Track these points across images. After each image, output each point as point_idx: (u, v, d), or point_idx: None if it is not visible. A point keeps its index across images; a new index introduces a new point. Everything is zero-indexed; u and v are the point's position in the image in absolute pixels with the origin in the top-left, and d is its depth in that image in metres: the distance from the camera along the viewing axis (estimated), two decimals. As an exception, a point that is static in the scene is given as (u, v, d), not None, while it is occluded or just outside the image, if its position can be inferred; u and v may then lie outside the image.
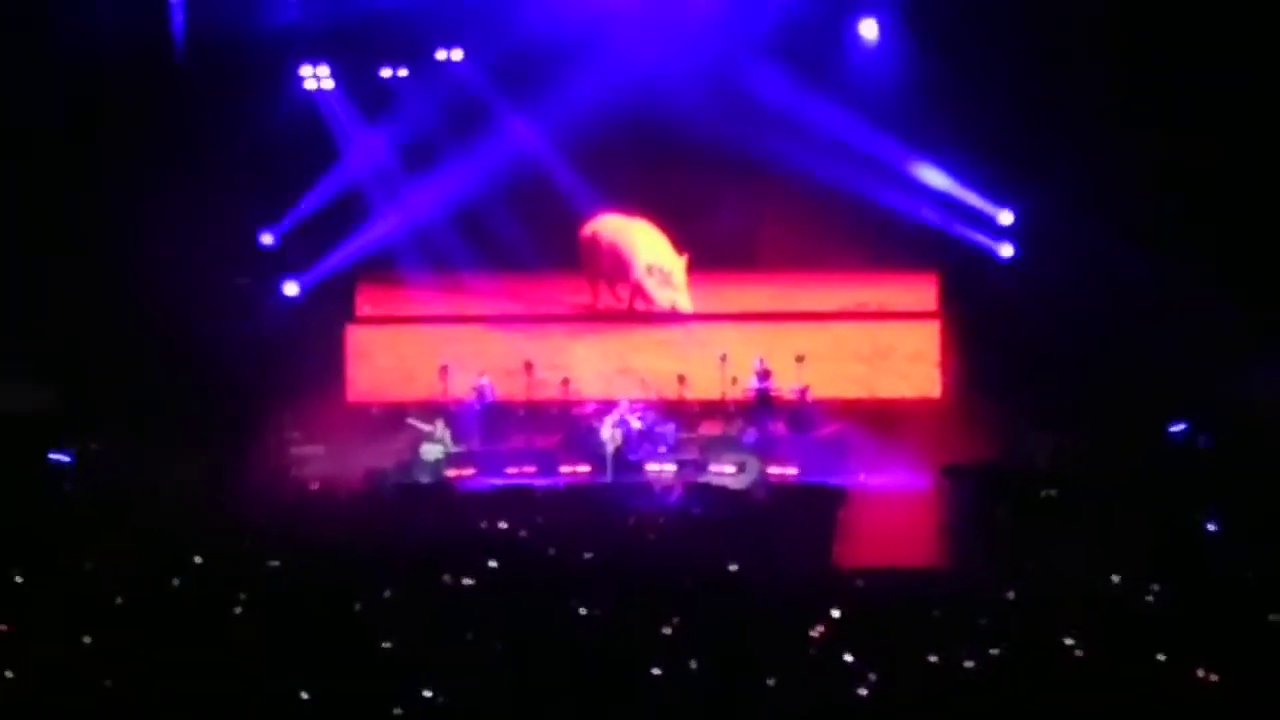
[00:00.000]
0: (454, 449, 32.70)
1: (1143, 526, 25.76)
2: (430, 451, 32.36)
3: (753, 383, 33.62)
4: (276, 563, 24.59)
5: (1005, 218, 33.20)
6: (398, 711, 17.32)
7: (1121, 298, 31.22)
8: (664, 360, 35.47)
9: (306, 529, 27.44)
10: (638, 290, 35.68)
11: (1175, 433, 27.48)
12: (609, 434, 32.43)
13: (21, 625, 20.04)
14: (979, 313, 33.79)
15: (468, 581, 22.70)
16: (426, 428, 32.87)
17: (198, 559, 24.10)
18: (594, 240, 35.83)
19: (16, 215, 32.37)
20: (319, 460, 31.69)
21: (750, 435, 33.02)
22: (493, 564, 23.59)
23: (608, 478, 32.28)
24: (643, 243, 35.58)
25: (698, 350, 35.25)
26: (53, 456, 30.22)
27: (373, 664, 18.74)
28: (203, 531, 26.19)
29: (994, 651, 18.86)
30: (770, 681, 18.25)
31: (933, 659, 18.52)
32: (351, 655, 18.94)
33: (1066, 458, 30.40)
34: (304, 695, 17.53)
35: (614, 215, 35.86)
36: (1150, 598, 21.07)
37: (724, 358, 34.43)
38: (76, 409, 30.97)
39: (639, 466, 32.66)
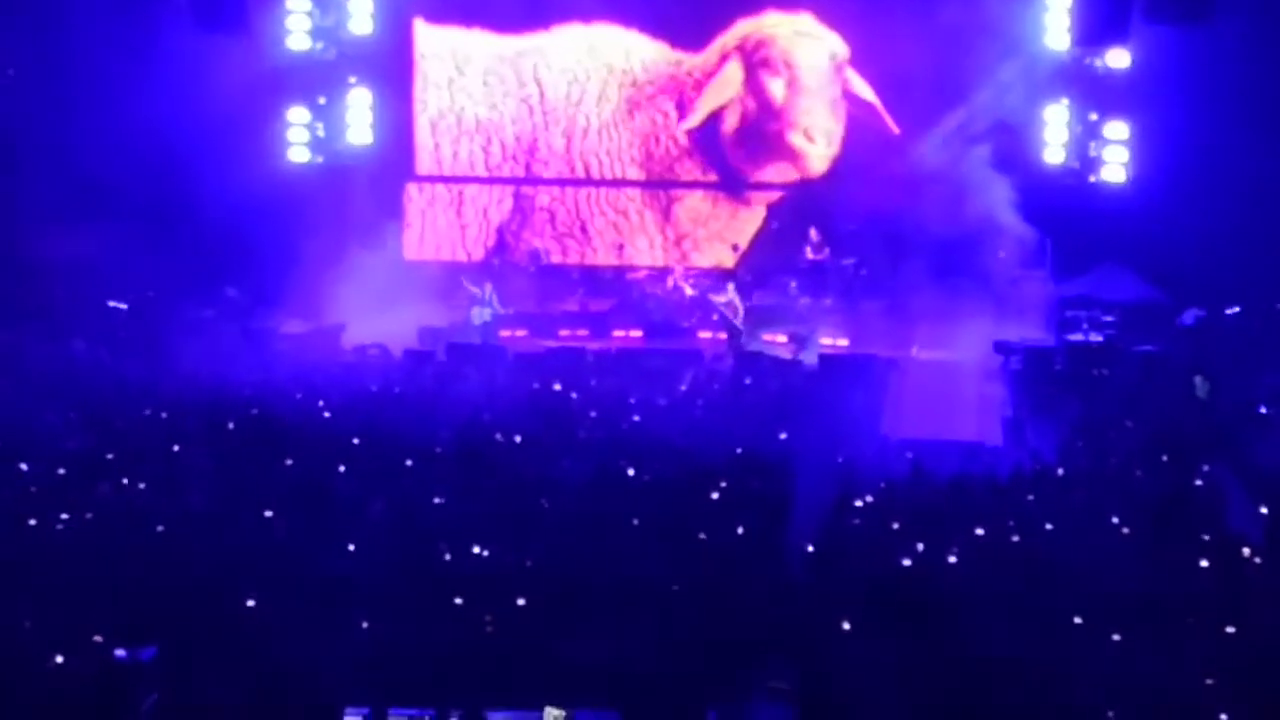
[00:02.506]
0: (501, 311, 32.66)
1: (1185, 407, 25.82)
2: (479, 314, 32.32)
3: (808, 253, 33.45)
4: (329, 413, 24.76)
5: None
6: (447, 558, 17.48)
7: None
8: (728, 229, 35.22)
9: (361, 383, 27.54)
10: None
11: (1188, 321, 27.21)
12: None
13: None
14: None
15: (517, 439, 22.81)
16: (475, 290, 32.81)
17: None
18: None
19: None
20: (374, 317, 31.61)
21: (804, 304, 32.85)
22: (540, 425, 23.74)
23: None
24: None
25: (751, 221, 35.07)
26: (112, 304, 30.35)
27: (422, 522, 18.86)
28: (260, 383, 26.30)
29: (1045, 527, 18.91)
30: (810, 549, 18.35)
31: (979, 532, 18.58)
32: (401, 510, 19.08)
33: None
34: (350, 547, 17.69)
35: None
36: (1199, 480, 21.06)
37: (779, 230, 34.35)
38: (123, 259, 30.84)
39: (691, 332, 32.61)
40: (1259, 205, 29.58)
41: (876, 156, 32.84)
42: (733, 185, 35.12)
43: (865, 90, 34.34)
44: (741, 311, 31.81)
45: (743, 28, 34.53)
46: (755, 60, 34.46)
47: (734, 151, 34.89)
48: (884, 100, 33.48)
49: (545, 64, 35.05)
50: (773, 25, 34.52)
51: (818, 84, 34.54)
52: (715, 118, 34.87)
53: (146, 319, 30.08)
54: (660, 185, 35.15)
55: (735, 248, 34.79)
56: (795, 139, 34.54)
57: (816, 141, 34.47)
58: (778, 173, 34.95)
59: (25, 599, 15.78)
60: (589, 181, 35.23)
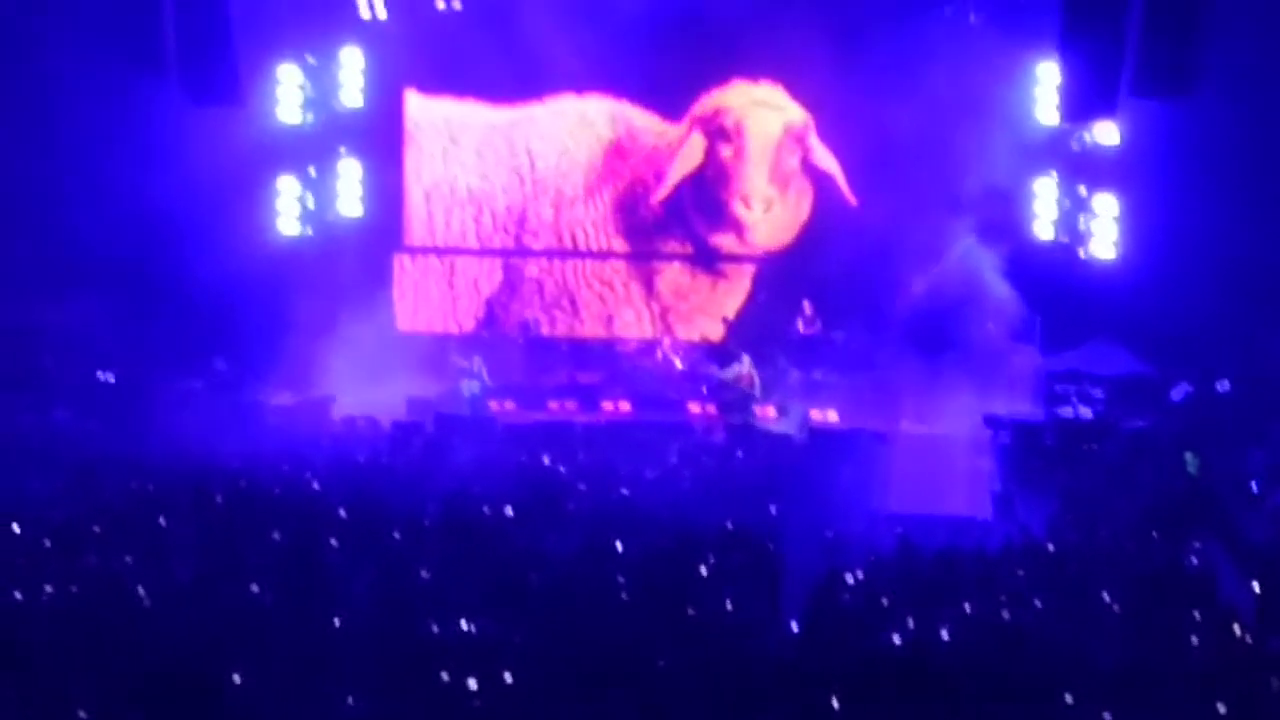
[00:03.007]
0: (490, 384, 32.69)
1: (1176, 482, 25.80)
2: (468, 386, 32.39)
3: (800, 326, 33.50)
4: (317, 485, 24.72)
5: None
6: (435, 630, 17.43)
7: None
8: (709, 301, 35.31)
9: (349, 456, 27.52)
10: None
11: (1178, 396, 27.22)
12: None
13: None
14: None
15: (508, 513, 22.77)
16: (464, 363, 32.88)
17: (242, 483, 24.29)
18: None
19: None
20: (364, 389, 31.66)
21: (794, 378, 32.88)
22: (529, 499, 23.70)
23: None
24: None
25: (740, 293, 35.13)
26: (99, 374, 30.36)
27: (411, 592, 18.82)
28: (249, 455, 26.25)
29: (1034, 604, 18.87)
30: (795, 627, 18.31)
31: (968, 608, 18.54)
32: (389, 583, 19.03)
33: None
34: (336, 622, 17.63)
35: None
36: (1194, 557, 21.04)
37: (769, 302, 34.39)
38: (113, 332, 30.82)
39: (681, 405, 32.63)
40: (1248, 280, 29.64)
41: (860, 227, 32.80)
42: (704, 256, 35.14)
43: (827, 161, 34.55)
44: (758, 383, 31.76)
45: (711, 99, 34.78)
46: (713, 130, 34.75)
47: (697, 222, 35.00)
48: (869, 170, 33.47)
49: (537, 134, 35.18)
50: (734, 96, 34.87)
51: (762, 152, 34.79)
52: (681, 188, 34.93)
53: (134, 390, 30.04)
54: (637, 257, 35.27)
55: (725, 320, 34.83)
56: (736, 207, 34.84)
57: (754, 209, 34.79)
58: (733, 242, 35.03)
59: (9, 672, 15.70)
60: (574, 253, 35.34)
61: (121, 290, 30.91)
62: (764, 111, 34.70)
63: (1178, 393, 27.34)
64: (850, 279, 33.03)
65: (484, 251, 35.54)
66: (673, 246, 35.29)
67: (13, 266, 29.08)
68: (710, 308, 35.23)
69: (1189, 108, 27.47)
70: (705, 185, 34.89)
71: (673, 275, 35.35)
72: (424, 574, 19.44)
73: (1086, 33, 26.05)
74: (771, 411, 31.90)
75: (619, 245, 35.31)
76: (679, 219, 35.12)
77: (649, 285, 35.39)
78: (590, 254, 35.37)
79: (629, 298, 35.42)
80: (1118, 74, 26.06)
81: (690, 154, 34.79)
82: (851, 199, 34.23)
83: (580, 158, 35.13)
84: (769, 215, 34.81)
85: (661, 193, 35.02)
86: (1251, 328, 29.92)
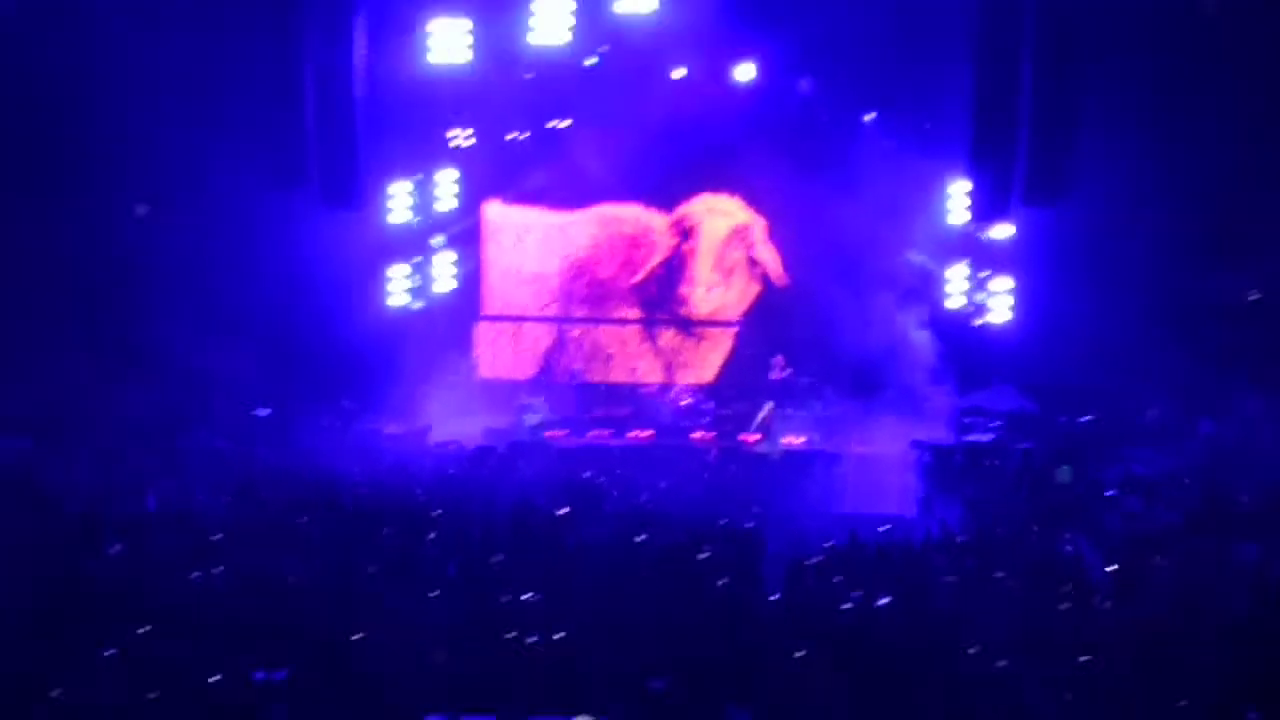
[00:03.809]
0: (550, 416, 32.72)
1: (1053, 490, 25.79)
2: (530, 419, 32.39)
3: (773, 374, 33.41)
4: (420, 494, 24.73)
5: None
6: (505, 599, 17.47)
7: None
8: (709, 354, 35.30)
9: (443, 471, 27.54)
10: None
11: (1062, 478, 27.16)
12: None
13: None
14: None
15: (560, 513, 22.77)
16: (530, 401, 32.92)
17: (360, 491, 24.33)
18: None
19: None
20: (453, 421, 31.64)
21: (772, 411, 32.77)
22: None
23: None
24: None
25: (723, 350, 35.14)
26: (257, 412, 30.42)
27: (487, 572, 18.86)
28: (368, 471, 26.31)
29: (946, 580, 18.86)
30: (775, 597, 18.32)
31: (900, 584, 18.53)
32: (471, 566, 19.07)
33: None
34: (431, 594, 17.66)
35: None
36: (1069, 547, 20.99)
37: (751, 355, 34.36)
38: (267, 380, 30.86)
39: (687, 433, 32.60)
40: (1105, 340, 29.59)
41: (815, 300, 32.62)
42: (684, 323, 35.20)
43: (766, 255, 34.48)
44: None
45: (683, 207, 34.83)
46: (680, 230, 34.80)
47: (668, 297, 35.10)
48: (818, 257, 33.07)
49: (581, 232, 35.14)
50: (697, 205, 34.77)
51: (710, 248, 34.72)
52: (655, 272, 35.10)
53: (282, 422, 30.08)
54: (641, 323, 35.23)
55: (715, 369, 34.91)
56: (685, 288, 34.89)
57: (698, 290, 34.84)
58: (692, 313, 35.19)
59: (189, 633, 15.77)
60: (602, 320, 35.32)
61: (274, 346, 30.92)
62: (716, 216, 34.76)
63: (1062, 474, 27.17)
64: (810, 339, 32.96)
65: (540, 319, 35.46)
66: (666, 315, 35.30)
67: (190, 326, 29.06)
68: (698, 362, 35.14)
69: (1063, 212, 27.52)
70: (671, 271, 34.98)
71: (668, 337, 35.28)
72: (497, 558, 19.47)
73: (987, 158, 26.19)
74: (755, 437, 31.85)
75: (632, 314, 35.26)
76: (663, 295, 35.21)
77: (654, 344, 35.38)
78: (611, 320, 35.34)
79: (642, 353, 35.36)
80: (1010, 188, 26.15)
81: (663, 248, 34.95)
82: (782, 283, 34.34)
83: (608, 248, 35.15)
84: (709, 295, 34.84)
85: (639, 277, 35.15)
86: (1108, 377, 29.86)
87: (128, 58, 28.62)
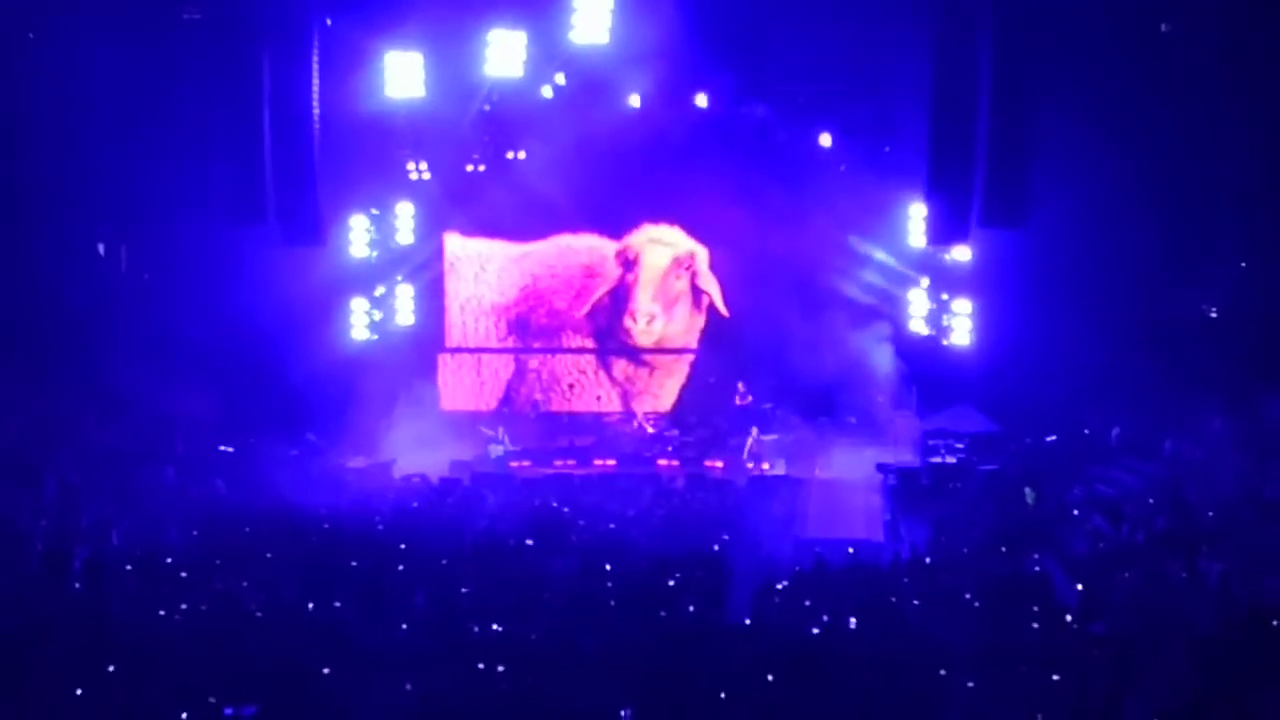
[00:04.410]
0: (512, 448, 32.69)
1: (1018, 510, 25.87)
2: (494, 450, 32.35)
3: (736, 400, 33.42)
4: (383, 526, 24.69)
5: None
6: (476, 628, 17.46)
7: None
8: (664, 381, 35.29)
9: (407, 504, 27.50)
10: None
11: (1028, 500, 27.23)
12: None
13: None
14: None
15: (527, 543, 22.76)
16: (490, 433, 32.88)
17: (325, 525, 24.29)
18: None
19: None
20: (417, 453, 31.59)
21: (735, 442, 32.77)
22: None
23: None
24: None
25: (679, 378, 35.13)
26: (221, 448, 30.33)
27: (455, 603, 18.84)
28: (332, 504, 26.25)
29: (915, 602, 18.91)
30: (747, 621, 18.33)
31: (868, 606, 18.57)
32: (439, 597, 19.04)
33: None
34: (404, 626, 17.63)
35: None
36: (1034, 566, 21.07)
37: (710, 383, 34.34)
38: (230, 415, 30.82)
39: (651, 461, 32.58)
40: (1069, 362, 29.74)
41: (772, 327, 32.58)
42: (629, 352, 35.25)
43: (709, 284, 34.49)
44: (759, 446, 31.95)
45: (628, 237, 34.83)
46: (624, 261, 34.78)
47: (611, 326, 35.13)
48: (776, 282, 32.94)
49: (539, 262, 35.16)
50: (640, 234, 34.73)
51: (651, 279, 34.66)
52: (600, 302, 35.15)
53: (247, 458, 29.98)
54: (593, 353, 35.25)
55: (673, 397, 34.89)
56: (626, 319, 34.86)
57: (638, 321, 34.74)
58: (631, 343, 35.18)
59: (157, 668, 15.71)
60: (559, 349, 35.31)
61: (235, 383, 30.83)
62: (656, 247, 34.70)
63: (1028, 496, 27.26)
64: (769, 365, 32.92)
65: (500, 350, 35.45)
66: (614, 345, 35.32)
67: (152, 362, 28.97)
68: (653, 389, 35.12)
69: (1022, 235, 27.66)
70: (614, 301, 34.96)
71: (621, 366, 35.32)
72: (465, 589, 19.46)
73: (945, 181, 26.29)
74: (718, 462, 31.89)
75: (587, 344, 35.29)
76: (610, 325, 35.23)
77: (610, 372, 35.39)
78: (566, 350, 35.34)
79: (599, 382, 35.38)
80: (969, 210, 26.27)
81: (610, 278, 34.94)
82: (725, 313, 34.37)
83: (565, 278, 35.12)
84: (650, 327, 34.76)
85: (584, 309, 35.19)
86: (1071, 397, 29.98)
87: (85, 95, 28.63)
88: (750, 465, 31.55)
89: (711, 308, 34.57)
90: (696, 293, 34.70)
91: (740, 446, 31.99)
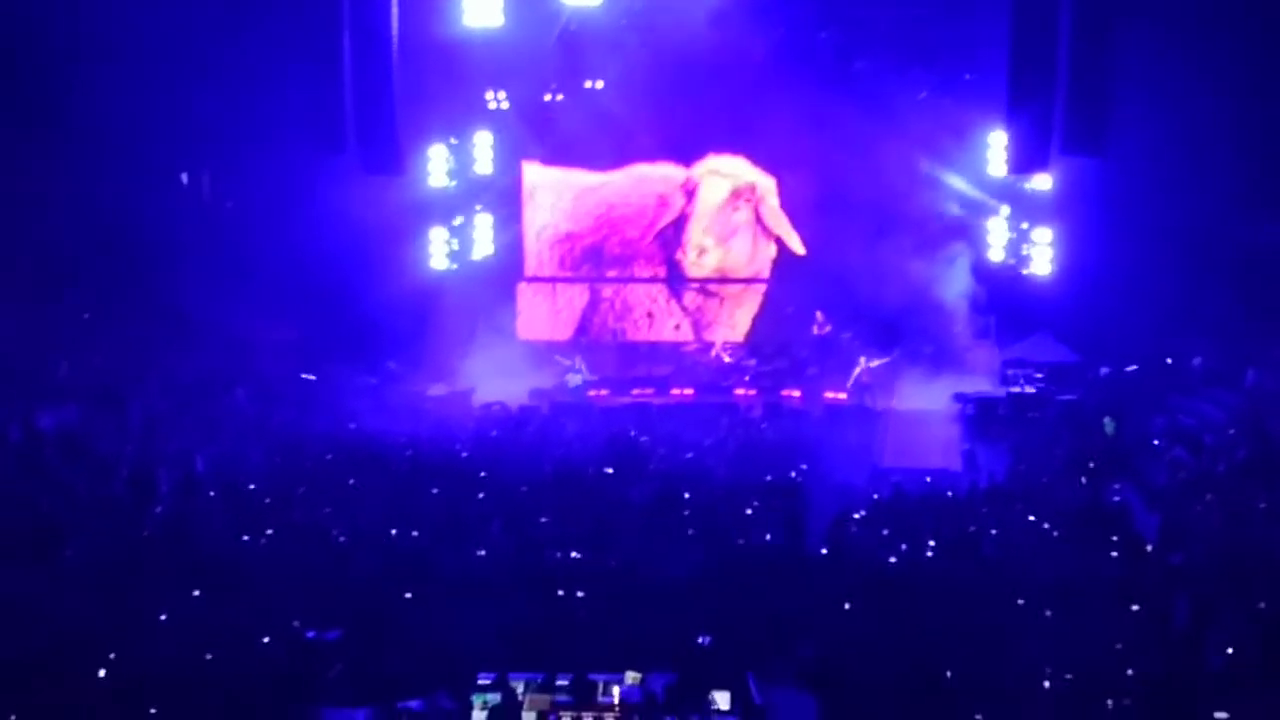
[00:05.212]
0: (590, 377, 32.74)
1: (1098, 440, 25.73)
2: (572, 380, 32.41)
3: (814, 330, 33.31)
4: (465, 454, 24.83)
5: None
6: (556, 555, 17.57)
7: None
8: (734, 312, 35.15)
9: (487, 432, 27.64)
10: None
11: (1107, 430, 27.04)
12: None
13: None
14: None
15: (606, 471, 22.84)
16: (567, 362, 32.94)
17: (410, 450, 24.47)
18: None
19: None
20: (497, 382, 31.71)
21: (813, 371, 32.70)
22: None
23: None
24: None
25: (750, 308, 34.98)
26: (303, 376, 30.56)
27: (534, 531, 18.93)
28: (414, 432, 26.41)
29: (993, 531, 18.87)
30: (824, 550, 18.33)
31: (946, 535, 18.56)
32: (518, 525, 19.13)
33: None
34: (480, 553, 17.75)
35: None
36: (1113, 496, 20.97)
37: (791, 312, 34.20)
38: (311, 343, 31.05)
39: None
40: (1149, 290, 29.45)
41: (849, 259, 32.28)
42: (689, 283, 35.12)
43: (777, 221, 34.24)
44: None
45: (694, 167, 34.66)
46: (685, 192, 34.65)
47: (669, 257, 35.05)
48: (854, 211, 32.28)
49: (615, 191, 35.08)
50: (701, 164, 34.56)
51: (704, 211, 34.57)
52: (665, 232, 35.05)
53: (329, 385, 30.22)
54: (660, 281, 35.15)
55: (747, 327, 34.83)
56: (678, 252, 34.80)
57: (689, 254, 34.74)
58: (686, 273, 35.08)
59: (242, 594, 15.89)
60: (631, 279, 35.29)
61: (316, 312, 31.05)
62: (714, 179, 34.51)
63: (1107, 426, 27.07)
64: (847, 295, 32.69)
65: (573, 279, 35.43)
66: (673, 275, 35.37)
67: (234, 292, 29.19)
68: (723, 320, 34.88)
69: (1103, 163, 27.38)
70: (675, 231, 34.88)
71: (690, 296, 35.23)
72: (544, 518, 19.55)
73: (1025, 108, 26.03)
74: (796, 392, 31.84)
75: (660, 272, 35.23)
76: (666, 256, 35.16)
77: (680, 302, 35.33)
78: (637, 280, 35.32)
79: (670, 311, 35.31)
80: (1050, 138, 26.01)
81: (674, 209, 34.85)
82: (800, 250, 34.13)
83: (639, 207, 35.01)
84: (701, 259, 34.73)
85: (647, 238, 35.09)
86: (1152, 326, 29.73)
87: (164, 25, 28.71)
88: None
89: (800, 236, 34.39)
90: (761, 224, 34.55)
91: (820, 376, 31.95)
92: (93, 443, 23.42)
